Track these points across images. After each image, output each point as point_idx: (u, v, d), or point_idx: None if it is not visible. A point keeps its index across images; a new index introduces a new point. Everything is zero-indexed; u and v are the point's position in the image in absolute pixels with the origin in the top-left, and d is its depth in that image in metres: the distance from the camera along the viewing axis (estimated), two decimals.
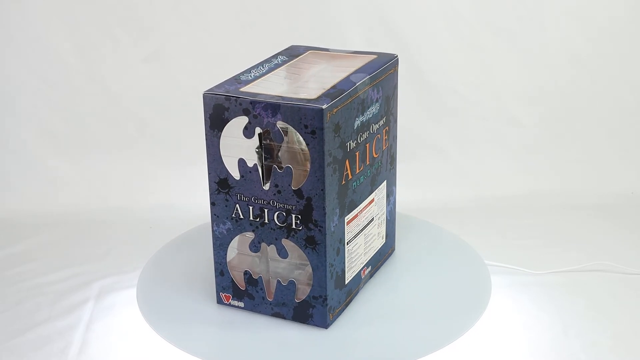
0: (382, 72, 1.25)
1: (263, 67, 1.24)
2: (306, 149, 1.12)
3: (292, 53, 1.32)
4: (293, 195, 1.14)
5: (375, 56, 1.30)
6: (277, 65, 1.25)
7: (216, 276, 1.24)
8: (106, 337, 1.69)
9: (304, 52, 1.32)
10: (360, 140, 1.20)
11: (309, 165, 1.14)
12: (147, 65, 2.25)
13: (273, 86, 1.18)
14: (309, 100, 1.11)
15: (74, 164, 2.26)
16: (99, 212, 2.18)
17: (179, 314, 1.27)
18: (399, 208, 1.47)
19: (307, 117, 1.10)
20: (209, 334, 1.22)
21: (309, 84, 1.20)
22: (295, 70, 1.25)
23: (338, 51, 1.34)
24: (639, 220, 2.13)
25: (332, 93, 1.14)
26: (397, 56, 1.31)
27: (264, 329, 1.22)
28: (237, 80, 1.19)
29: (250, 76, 1.20)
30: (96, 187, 2.24)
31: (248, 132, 1.14)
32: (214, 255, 1.23)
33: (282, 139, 1.14)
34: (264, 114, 1.12)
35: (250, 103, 1.12)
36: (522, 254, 1.94)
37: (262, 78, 1.20)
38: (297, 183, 1.14)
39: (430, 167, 2.27)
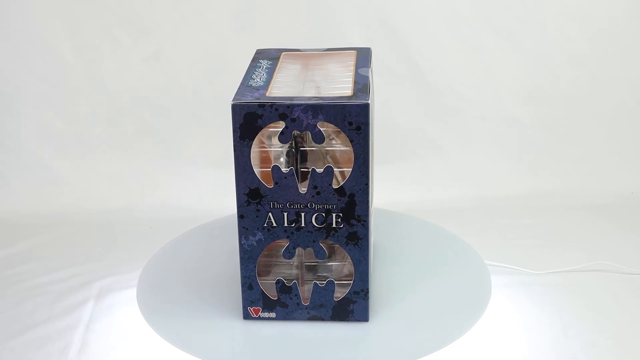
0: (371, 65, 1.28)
1: (260, 72, 1.23)
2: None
3: (269, 56, 1.30)
4: (334, 194, 1.14)
5: (354, 51, 1.32)
6: (270, 69, 1.24)
7: (243, 291, 1.21)
8: (106, 337, 1.69)
9: (279, 54, 1.31)
10: (371, 132, 1.22)
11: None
12: (147, 65, 2.25)
13: (293, 89, 1.17)
14: (349, 97, 1.11)
15: (74, 164, 2.26)
16: (99, 212, 2.18)
17: (179, 313, 1.27)
18: (399, 208, 1.47)
19: (352, 114, 1.10)
20: (210, 333, 1.22)
21: (324, 82, 1.20)
22: (294, 71, 1.25)
23: (309, 50, 1.33)
24: (639, 220, 2.13)
25: (361, 88, 1.15)
26: (371, 49, 1.33)
27: (274, 327, 1.22)
28: (250, 87, 1.16)
29: (259, 81, 1.19)
30: (96, 187, 2.24)
31: (284, 137, 1.13)
32: (242, 269, 1.19)
33: (323, 140, 1.14)
34: (304, 117, 1.11)
35: (288, 107, 1.10)
36: (522, 254, 1.94)
37: (272, 82, 1.19)
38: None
39: (430, 167, 2.27)
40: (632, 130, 2.31)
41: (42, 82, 2.24)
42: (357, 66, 1.25)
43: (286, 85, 1.19)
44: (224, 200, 2.12)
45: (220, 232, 1.48)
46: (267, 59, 1.29)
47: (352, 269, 1.20)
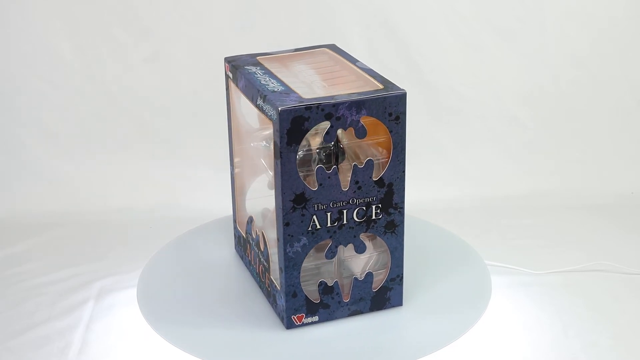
0: None
1: (264, 77, 1.21)
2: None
3: (249, 62, 1.28)
4: (374, 186, 1.16)
5: (325, 49, 1.33)
6: (269, 73, 1.23)
7: (287, 300, 1.19)
8: (106, 337, 1.69)
9: (255, 59, 1.29)
10: None
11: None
12: (147, 65, 2.25)
13: (311, 89, 1.17)
14: (385, 89, 1.14)
15: (74, 164, 2.26)
16: (99, 212, 2.18)
17: (179, 313, 1.27)
18: None
19: (392, 105, 1.13)
20: (210, 333, 1.22)
21: (339, 79, 1.21)
22: (293, 73, 1.25)
23: (280, 52, 1.33)
24: (639, 220, 2.13)
25: (383, 80, 1.18)
26: (335, 45, 1.36)
27: (277, 324, 1.22)
28: (276, 92, 1.15)
29: (277, 86, 1.17)
30: (96, 187, 2.24)
31: (330, 136, 1.13)
32: (286, 277, 1.18)
33: (366, 135, 1.15)
34: (348, 114, 1.12)
35: (333, 106, 1.11)
36: (522, 254, 1.94)
37: (289, 86, 1.18)
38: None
39: (430, 167, 2.27)
40: (632, 130, 2.31)
41: (42, 82, 2.24)
42: (350, 61, 1.26)
43: (301, 86, 1.19)
44: (224, 200, 2.12)
45: (221, 232, 1.48)
46: (252, 65, 1.27)
47: (377, 258, 1.22)
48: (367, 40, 2.23)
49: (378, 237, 1.21)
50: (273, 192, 1.33)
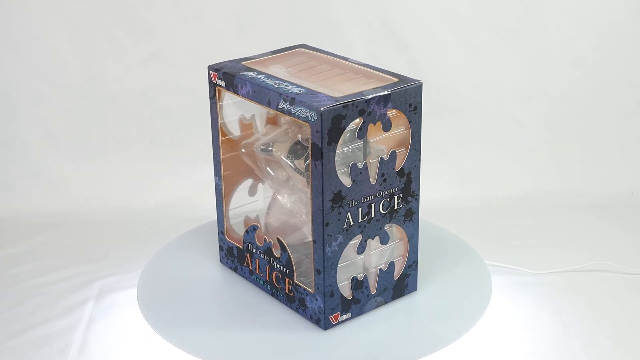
0: None
1: (271, 80, 1.20)
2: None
3: (240, 68, 1.27)
4: (396, 176, 1.19)
5: (301, 48, 1.34)
6: (270, 76, 1.22)
7: (326, 301, 1.19)
8: (106, 337, 1.69)
9: (241, 65, 1.28)
10: None
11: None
12: (147, 65, 2.25)
13: (326, 88, 1.18)
14: (402, 82, 1.17)
15: (74, 164, 2.26)
16: (99, 212, 2.18)
17: (179, 313, 1.27)
18: None
19: (411, 96, 1.17)
20: (210, 333, 1.22)
21: (340, 76, 1.23)
22: (290, 74, 1.25)
23: (261, 56, 1.32)
24: (639, 220, 2.13)
25: (391, 72, 1.20)
26: (306, 44, 1.38)
27: (274, 322, 1.22)
28: (300, 94, 1.15)
29: (294, 88, 1.17)
30: (96, 187, 2.24)
31: (362, 132, 1.15)
32: (325, 278, 1.18)
33: (390, 127, 1.17)
34: (377, 108, 1.14)
35: (366, 102, 1.13)
36: (522, 254, 1.94)
37: (305, 87, 1.18)
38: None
39: (430, 167, 2.27)
40: (633, 130, 2.31)
41: (42, 82, 2.24)
42: (340, 58, 1.27)
43: (317, 86, 1.19)
44: None
45: None
46: (245, 70, 1.26)
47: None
48: (367, 40, 2.23)
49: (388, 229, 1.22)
50: (254, 198, 1.34)
